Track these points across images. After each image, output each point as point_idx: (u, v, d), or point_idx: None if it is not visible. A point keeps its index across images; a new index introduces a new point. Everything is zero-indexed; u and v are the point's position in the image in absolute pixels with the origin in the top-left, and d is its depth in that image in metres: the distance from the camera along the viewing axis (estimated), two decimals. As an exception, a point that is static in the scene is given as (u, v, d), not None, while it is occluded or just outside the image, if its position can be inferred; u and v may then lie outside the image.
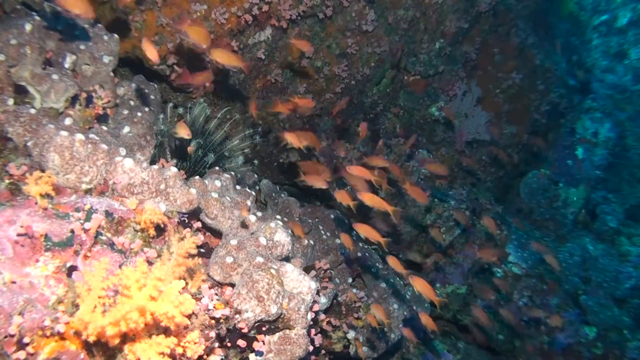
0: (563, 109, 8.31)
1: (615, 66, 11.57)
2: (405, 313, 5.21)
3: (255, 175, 5.29)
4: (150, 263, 2.47)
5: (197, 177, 3.40)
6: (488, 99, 7.16)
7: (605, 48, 11.94)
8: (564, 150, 8.90)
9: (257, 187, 5.24)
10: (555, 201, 8.38)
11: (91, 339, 1.96)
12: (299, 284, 3.12)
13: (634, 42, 11.79)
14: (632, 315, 6.92)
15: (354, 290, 4.80)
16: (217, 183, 3.51)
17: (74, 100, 3.43)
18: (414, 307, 5.63)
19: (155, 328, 2.13)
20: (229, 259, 2.91)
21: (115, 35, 4.00)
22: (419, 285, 4.26)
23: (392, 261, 4.41)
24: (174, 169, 2.99)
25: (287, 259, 3.36)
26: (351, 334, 4.76)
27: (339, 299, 4.69)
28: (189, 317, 2.24)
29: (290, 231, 3.73)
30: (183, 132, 3.65)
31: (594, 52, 11.86)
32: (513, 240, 6.94)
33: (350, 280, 4.91)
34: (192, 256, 2.41)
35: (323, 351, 4.57)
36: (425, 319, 4.65)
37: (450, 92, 6.80)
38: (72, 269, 2.31)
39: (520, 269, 6.69)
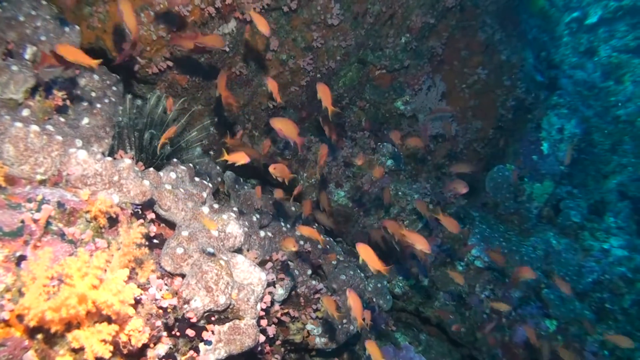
0: (529, 104, 8.39)
1: (584, 63, 11.67)
2: (364, 305, 5.27)
3: (218, 167, 5.32)
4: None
5: (152, 169, 3.44)
6: (454, 94, 7.22)
7: (576, 45, 12.04)
8: (530, 146, 8.97)
9: (220, 179, 5.27)
10: (520, 196, 8.47)
11: (32, 324, 2.01)
12: (250, 275, 3.17)
13: (604, 39, 11.89)
14: (594, 309, 7.02)
15: (313, 282, 4.85)
16: (172, 175, 3.56)
17: (34, 91, 3.46)
18: (374, 299, 5.70)
19: (99, 316, 2.18)
20: (180, 250, 2.95)
21: (77, 27, 4.04)
22: (365, 253, 4.22)
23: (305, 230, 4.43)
24: (128, 161, 3.03)
25: (239, 250, 3.41)
26: (310, 325, 4.82)
27: (298, 290, 4.74)
28: (134, 306, 2.29)
29: (246, 223, 3.78)
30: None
31: (564, 48, 11.95)
32: (476, 234, 7.02)
33: (309, 272, 4.96)
34: (139, 246, 2.46)
35: (279, 341, 4.62)
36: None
37: (415, 86, 6.85)
38: (22, 258, 2.35)
39: (482, 262, 6.76)
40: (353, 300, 4.16)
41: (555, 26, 12.22)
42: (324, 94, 4.44)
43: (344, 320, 5.07)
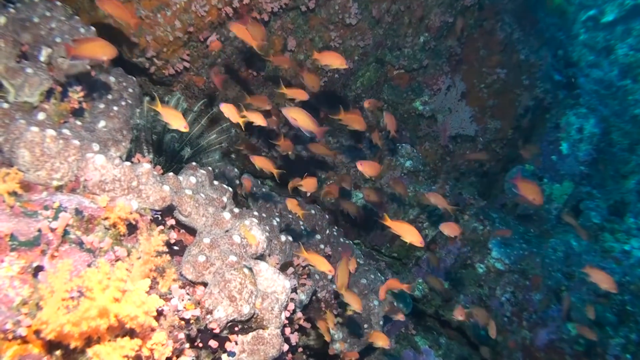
0: (548, 104, 8.30)
1: (601, 61, 11.58)
2: (385, 309, 5.19)
3: (236, 170, 5.25)
4: (120, 262, 2.43)
5: (171, 173, 3.35)
6: (473, 94, 7.13)
7: (592, 43, 11.95)
8: (549, 146, 8.89)
9: (238, 182, 5.20)
10: (538, 196, 8.38)
11: (49, 337, 1.92)
12: (273, 283, 3.08)
13: (620, 37, 11.80)
14: (615, 311, 6.91)
15: (334, 286, 4.77)
16: (192, 179, 3.47)
17: (49, 94, 3.38)
18: (395, 303, 5.62)
19: (121, 330, 2.09)
20: (202, 258, 2.87)
21: (93, 28, 3.96)
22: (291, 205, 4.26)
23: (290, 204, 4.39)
24: (147, 166, 2.95)
25: (262, 256, 3.32)
26: (331, 331, 4.74)
27: (319, 295, 4.66)
28: (156, 318, 2.20)
29: (267, 227, 3.69)
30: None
31: (580, 47, 11.87)
32: (496, 236, 6.93)
33: (330, 276, 4.88)
34: (160, 254, 2.37)
35: (300, 349, 4.54)
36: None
37: (434, 86, 6.77)
38: (39, 269, 2.27)
39: (502, 264, 6.67)
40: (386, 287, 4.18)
41: (572, 24, 12.14)
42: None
43: (365, 325, 5.00)
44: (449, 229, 5.20)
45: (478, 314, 5.47)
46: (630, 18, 11.93)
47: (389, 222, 3.98)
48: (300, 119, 4.08)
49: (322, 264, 3.83)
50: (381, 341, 4.44)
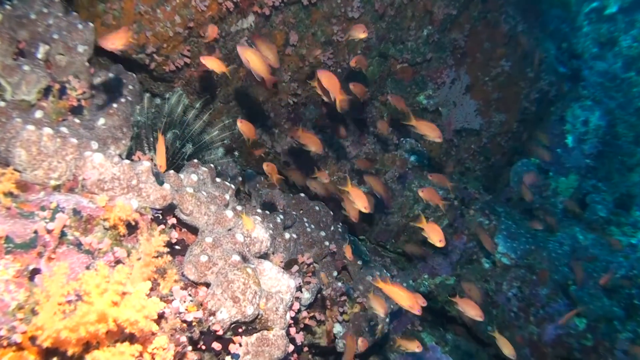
0: (553, 96, 8.24)
1: (605, 53, 11.52)
2: (392, 306, 5.13)
3: (238, 167, 5.20)
4: (120, 263, 2.38)
5: (172, 171, 3.30)
6: (477, 87, 7.07)
7: (596, 35, 11.89)
8: (554, 139, 8.84)
9: (240, 178, 5.15)
10: (545, 190, 8.32)
11: (45, 344, 1.86)
12: (278, 282, 3.03)
13: (624, 29, 11.74)
14: (623, 306, 6.85)
15: (339, 284, 4.71)
16: (194, 177, 3.41)
17: (46, 91, 3.33)
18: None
19: (121, 335, 2.03)
20: (204, 258, 2.81)
21: (91, 24, 3.90)
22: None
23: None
24: (147, 163, 2.89)
25: (266, 255, 3.26)
26: (337, 328, 4.69)
27: (324, 293, 4.60)
28: (157, 321, 2.14)
29: (270, 225, 3.63)
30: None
31: (584, 39, 11.81)
32: (502, 231, 6.87)
33: (335, 273, 4.83)
34: (161, 255, 2.31)
35: (306, 348, 4.49)
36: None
37: (438, 80, 6.71)
38: (35, 272, 2.21)
39: (509, 259, 6.62)
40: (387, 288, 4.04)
41: (576, 16, 12.08)
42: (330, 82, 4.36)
43: (371, 322, 4.94)
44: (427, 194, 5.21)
45: (469, 290, 5.41)
46: (633, 10, 11.87)
47: (423, 224, 4.17)
48: (253, 61, 3.98)
49: (403, 299, 3.70)
50: (412, 346, 4.41)
